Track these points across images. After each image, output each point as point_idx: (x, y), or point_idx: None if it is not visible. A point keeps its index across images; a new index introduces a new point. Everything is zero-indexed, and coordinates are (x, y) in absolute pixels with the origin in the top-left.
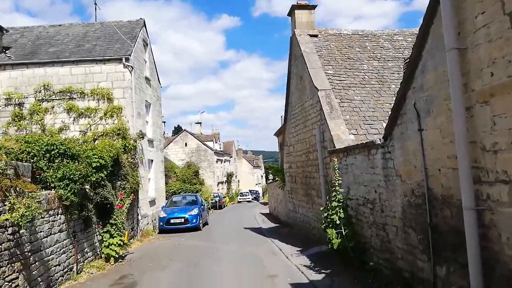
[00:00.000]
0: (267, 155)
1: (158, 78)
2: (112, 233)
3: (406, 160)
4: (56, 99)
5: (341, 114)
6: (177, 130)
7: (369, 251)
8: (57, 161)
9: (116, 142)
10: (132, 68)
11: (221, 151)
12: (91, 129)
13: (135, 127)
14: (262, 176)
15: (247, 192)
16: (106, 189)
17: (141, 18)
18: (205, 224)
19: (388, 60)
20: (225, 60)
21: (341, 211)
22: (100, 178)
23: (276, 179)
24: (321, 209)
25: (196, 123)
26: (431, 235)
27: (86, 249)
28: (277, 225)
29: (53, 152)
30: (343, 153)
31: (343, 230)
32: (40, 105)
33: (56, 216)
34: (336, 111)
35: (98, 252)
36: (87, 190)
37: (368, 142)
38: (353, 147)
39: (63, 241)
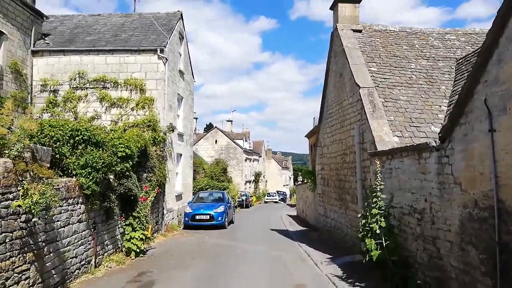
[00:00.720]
0: (296, 157)
1: (192, 73)
2: (135, 226)
3: (469, 165)
4: (90, 88)
5: (384, 114)
6: (209, 128)
7: (413, 266)
8: (80, 147)
9: (145, 133)
10: (166, 60)
11: (250, 150)
12: (122, 120)
13: (165, 119)
14: (290, 178)
15: (274, 193)
16: (130, 180)
17: (178, 11)
18: (231, 222)
19: (438, 60)
20: (259, 62)
21: (382, 219)
22: (125, 169)
23: (306, 181)
24: (358, 216)
25: (227, 121)
26: (498, 256)
27: (107, 241)
28: (305, 228)
29: (77, 138)
30: (387, 156)
31: (383, 241)
32: (74, 92)
33: (75, 205)
34: (379, 111)
35: (119, 245)
36: (110, 180)
37: (420, 144)
38: (400, 149)
39: (82, 232)
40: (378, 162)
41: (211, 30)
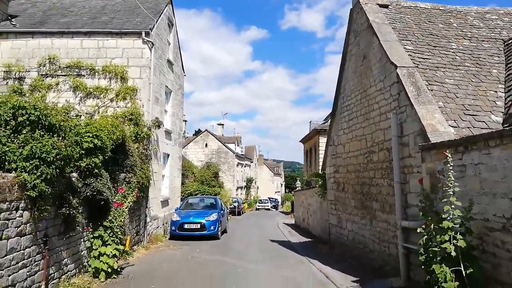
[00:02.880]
0: (286, 165)
1: (183, 66)
2: (106, 239)
3: None
4: (61, 75)
5: (432, 99)
6: (198, 133)
7: None
8: (25, 131)
9: (126, 127)
10: (153, 45)
11: (242, 154)
12: (99, 112)
13: (151, 113)
14: (281, 184)
15: (266, 200)
16: (101, 180)
17: None
18: (224, 232)
19: (483, 41)
20: (250, 70)
21: (460, 237)
22: (93, 165)
23: (313, 185)
24: (417, 230)
25: (218, 124)
26: None
27: (66, 260)
28: (309, 240)
29: (21, 119)
30: (455, 148)
31: (463, 268)
32: (43, 80)
33: (13, 212)
34: (425, 95)
35: (85, 264)
36: (72, 179)
37: None
38: (486, 136)
39: (24, 250)
40: (450, 156)
41: (203, 40)
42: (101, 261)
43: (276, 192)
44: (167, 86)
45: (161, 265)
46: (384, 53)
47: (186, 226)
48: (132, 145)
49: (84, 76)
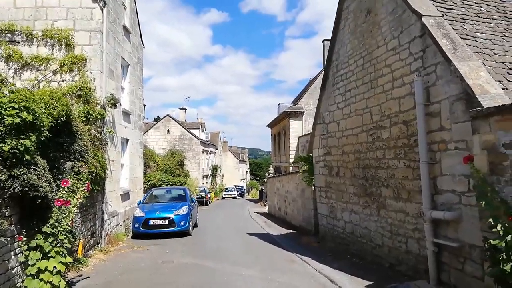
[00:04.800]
0: (248, 152)
1: (141, 36)
2: (47, 250)
3: None
4: None
5: (473, 54)
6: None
7: None
8: None
9: (75, 105)
10: (105, 4)
11: (207, 141)
12: (39, 87)
13: (104, 89)
14: (246, 172)
15: (232, 188)
16: (36, 170)
17: None
18: (195, 226)
19: None
20: (210, 55)
21: None
22: (21, 149)
23: (302, 169)
24: (498, 228)
25: (180, 109)
26: None
27: None
28: (290, 231)
29: None
30: None
31: None
32: None
33: None
34: (463, 49)
35: (19, 286)
36: None
37: None
38: None
39: None
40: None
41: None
42: (41, 280)
43: (241, 180)
44: (123, 58)
45: (124, 276)
46: (400, 1)
47: (151, 222)
48: (81, 126)
49: (19, 43)
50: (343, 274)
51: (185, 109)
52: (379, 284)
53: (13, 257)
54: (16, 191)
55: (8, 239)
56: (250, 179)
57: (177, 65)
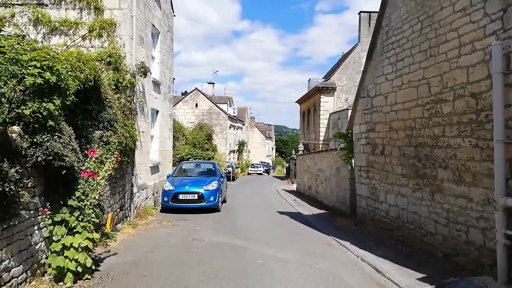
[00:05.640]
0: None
1: (172, 4)
2: (73, 225)
3: None
4: (17, 4)
5: None
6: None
7: None
8: None
9: (104, 72)
10: None
11: (234, 116)
12: None
13: (134, 56)
14: (272, 148)
15: (258, 164)
16: (60, 138)
17: None
18: (223, 201)
19: None
20: (239, 30)
21: None
22: (45, 113)
23: (340, 146)
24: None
25: (209, 83)
26: None
27: (7, 261)
28: (322, 211)
29: None
30: None
31: None
32: None
33: None
34: None
35: (44, 262)
36: (12, 135)
37: None
38: None
39: None
40: None
41: None
42: (66, 257)
43: (267, 156)
44: (153, 25)
45: (154, 253)
46: None
47: (181, 196)
48: (110, 94)
49: (47, 5)
50: (389, 263)
51: (213, 83)
52: (435, 278)
53: (36, 231)
54: (39, 160)
55: (31, 212)
56: (276, 156)
57: (205, 41)
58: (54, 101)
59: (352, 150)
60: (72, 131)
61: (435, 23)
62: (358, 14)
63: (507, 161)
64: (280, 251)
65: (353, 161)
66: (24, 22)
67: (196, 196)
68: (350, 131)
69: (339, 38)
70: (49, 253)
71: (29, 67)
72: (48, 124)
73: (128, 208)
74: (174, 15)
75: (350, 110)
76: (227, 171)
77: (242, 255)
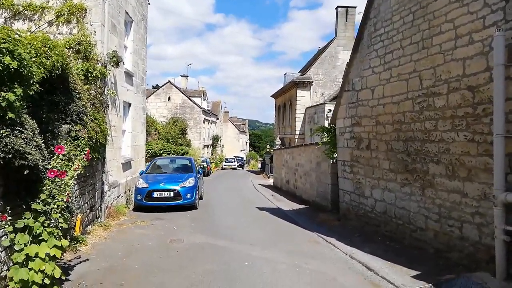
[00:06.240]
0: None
1: None
2: (37, 232)
3: None
4: None
5: None
6: (158, 88)
7: None
8: None
9: (72, 61)
10: None
11: (208, 110)
12: None
13: (106, 45)
14: (246, 143)
15: (232, 158)
16: (22, 133)
17: None
18: (200, 198)
19: None
20: (212, 23)
21: None
22: (3, 104)
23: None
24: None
25: (182, 76)
26: None
27: None
28: (302, 206)
29: None
30: None
31: None
32: None
33: None
34: None
35: (5, 275)
36: None
37: None
38: None
39: None
40: None
41: None
42: (30, 268)
43: (241, 151)
44: (127, 13)
45: (129, 258)
46: None
47: (155, 194)
48: (79, 84)
49: None
50: (380, 260)
51: (187, 76)
52: (430, 275)
53: None
54: None
55: None
56: (250, 150)
57: (177, 33)
58: (15, 90)
59: (335, 144)
60: (36, 125)
61: (428, 14)
62: (336, 8)
63: (506, 155)
64: (266, 251)
65: (335, 155)
66: None
67: (172, 194)
68: (333, 125)
69: (313, 34)
70: (11, 264)
71: None
72: (7, 117)
73: (99, 208)
74: (149, 3)
75: (327, 105)
76: (201, 166)
77: (227, 257)
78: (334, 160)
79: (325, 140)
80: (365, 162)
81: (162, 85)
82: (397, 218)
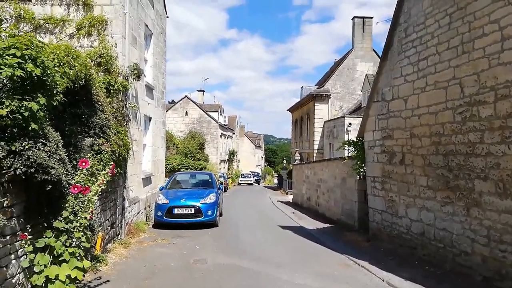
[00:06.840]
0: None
1: (165, 4)
2: (59, 252)
3: None
4: None
5: None
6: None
7: None
8: None
9: (94, 74)
10: None
11: (225, 125)
12: None
13: (127, 57)
14: (262, 158)
15: (249, 174)
16: (45, 146)
17: None
18: (220, 215)
19: None
20: (226, 39)
21: None
22: (25, 114)
23: (351, 155)
24: None
25: (198, 91)
26: None
27: None
28: (326, 225)
29: None
30: None
31: None
32: None
33: None
34: None
35: None
36: None
37: None
38: None
39: None
40: None
41: (177, 4)
42: None
43: (257, 166)
44: (147, 26)
45: (152, 280)
46: None
47: (176, 211)
48: (102, 96)
49: (30, 1)
50: (421, 287)
51: (203, 91)
52: None
53: (13, 261)
54: (18, 173)
55: (7, 237)
56: (265, 166)
57: (192, 49)
58: (39, 99)
59: (363, 159)
60: (60, 137)
61: (468, 16)
62: (352, 19)
63: None
64: (296, 275)
65: (362, 171)
66: (6, 18)
67: (192, 210)
68: (361, 138)
69: (326, 47)
70: (29, 287)
71: (6, 56)
72: (30, 128)
73: (119, 225)
74: (167, 17)
75: (347, 118)
76: (219, 181)
77: (255, 280)
78: (362, 176)
79: (351, 155)
80: (398, 178)
81: (179, 100)
82: (437, 240)
